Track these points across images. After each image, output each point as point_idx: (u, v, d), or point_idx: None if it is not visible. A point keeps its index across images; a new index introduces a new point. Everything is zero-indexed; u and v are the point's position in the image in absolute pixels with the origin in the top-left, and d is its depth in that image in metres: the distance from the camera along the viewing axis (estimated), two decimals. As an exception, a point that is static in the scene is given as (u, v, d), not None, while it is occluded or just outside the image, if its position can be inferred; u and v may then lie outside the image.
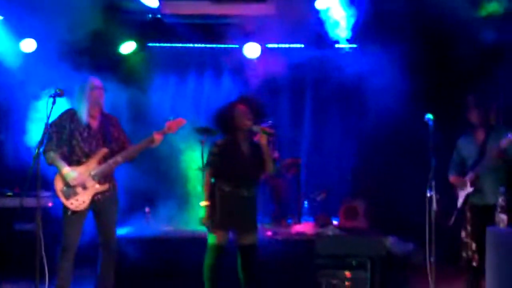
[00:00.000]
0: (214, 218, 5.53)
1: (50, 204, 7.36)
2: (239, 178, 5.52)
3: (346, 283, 6.71)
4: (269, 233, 7.00)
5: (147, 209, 7.74)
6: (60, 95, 5.34)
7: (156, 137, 5.69)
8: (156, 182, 8.33)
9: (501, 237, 4.96)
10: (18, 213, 7.10)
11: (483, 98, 6.00)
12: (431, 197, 5.24)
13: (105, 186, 5.64)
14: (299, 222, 7.80)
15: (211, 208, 5.54)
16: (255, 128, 5.51)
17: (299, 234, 7.10)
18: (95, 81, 5.74)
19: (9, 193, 7.62)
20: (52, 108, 5.31)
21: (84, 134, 5.63)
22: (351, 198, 7.93)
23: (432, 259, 5.18)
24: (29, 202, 7.07)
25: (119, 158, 5.64)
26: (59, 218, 5.69)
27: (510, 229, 4.96)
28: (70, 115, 5.66)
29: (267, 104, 8.31)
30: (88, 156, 5.62)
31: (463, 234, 5.96)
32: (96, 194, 5.63)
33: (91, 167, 5.60)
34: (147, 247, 6.76)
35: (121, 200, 7.07)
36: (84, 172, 5.57)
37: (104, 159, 5.65)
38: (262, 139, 5.46)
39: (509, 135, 5.59)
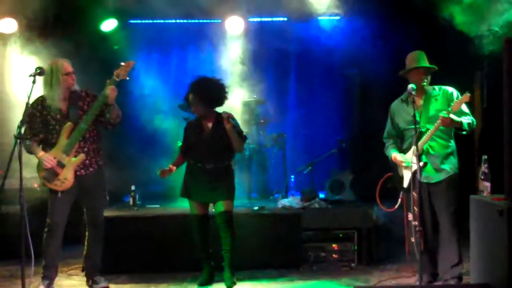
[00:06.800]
0: (187, 190, 6.02)
1: (36, 186, 7.33)
2: (201, 152, 5.94)
3: (334, 255, 6.75)
4: (256, 207, 7.01)
5: (132, 187, 7.70)
6: (40, 74, 5.30)
7: (106, 92, 5.59)
8: (141, 159, 8.31)
9: (484, 205, 4.98)
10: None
11: (422, 58, 5.58)
12: (418, 170, 5.19)
13: (81, 157, 5.65)
14: (285, 196, 7.81)
15: (184, 181, 6.07)
16: (223, 114, 5.85)
17: (286, 208, 7.11)
18: (67, 66, 5.71)
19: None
20: (32, 87, 5.26)
21: (57, 117, 5.67)
22: (337, 171, 7.93)
23: (417, 230, 5.17)
24: (15, 183, 7.06)
25: (81, 124, 5.62)
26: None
27: (492, 197, 4.96)
28: (40, 102, 5.70)
29: (253, 78, 8.41)
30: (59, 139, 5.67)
31: (410, 216, 5.50)
32: (76, 168, 5.65)
33: (62, 144, 5.63)
34: (134, 225, 6.75)
35: (110, 178, 7.09)
36: (57, 152, 5.61)
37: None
38: (227, 125, 5.78)
39: (462, 96, 5.23)
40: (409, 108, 5.54)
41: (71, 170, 5.62)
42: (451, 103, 5.33)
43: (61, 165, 5.59)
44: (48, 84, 5.63)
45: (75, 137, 5.63)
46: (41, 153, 5.60)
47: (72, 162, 5.63)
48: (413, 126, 5.26)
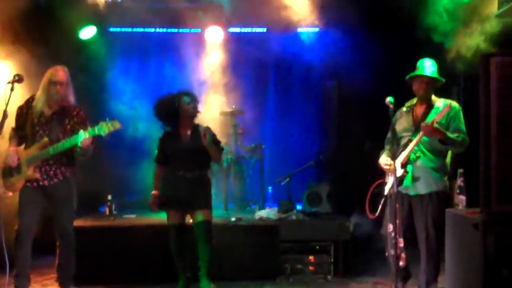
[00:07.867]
0: (164, 199, 6.00)
1: (10, 194, 7.23)
2: (181, 160, 5.95)
3: (310, 267, 6.76)
4: (233, 218, 6.99)
5: (109, 197, 7.64)
6: (18, 81, 5.25)
7: (79, 138, 5.45)
8: (119, 169, 8.26)
9: (460, 219, 5.01)
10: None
11: (429, 67, 5.46)
12: (394, 179, 5.18)
13: (33, 175, 5.59)
14: (263, 207, 7.80)
15: (161, 191, 6.04)
16: (200, 128, 5.97)
17: (263, 219, 7.10)
18: (57, 75, 5.64)
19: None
20: (11, 94, 5.20)
21: (35, 121, 5.66)
22: (314, 183, 7.94)
23: (394, 243, 5.16)
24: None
25: (50, 148, 5.55)
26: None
27: (468, 211, 4.98)
28: (29, 100, 5.74)
29: (231, 89, 8.41)
30: (33, 142, 5.62)
31: (390, 227, 5.24)
32: (28, 180, 5.60)
33: (31, 153, 5.60)
34: (110, 235, 6.69)
35: (85, 188, 7.04)
36: (22, 157, 5.60)
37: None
38: (204, 139, 5.83)
39: (443, 109, 5.20)
40: (408, 116, 5.56)
41: (21, 181, 5.60)
42: (449, 118, 5.32)
43: (18, 170, 5.59)
44: (40, 87, 5.66)
45: (40, 156, 5.58)
46: (12, 148, 5.64)
47: (26, 174, 5.60)
48: (407, 133, 5.42)
